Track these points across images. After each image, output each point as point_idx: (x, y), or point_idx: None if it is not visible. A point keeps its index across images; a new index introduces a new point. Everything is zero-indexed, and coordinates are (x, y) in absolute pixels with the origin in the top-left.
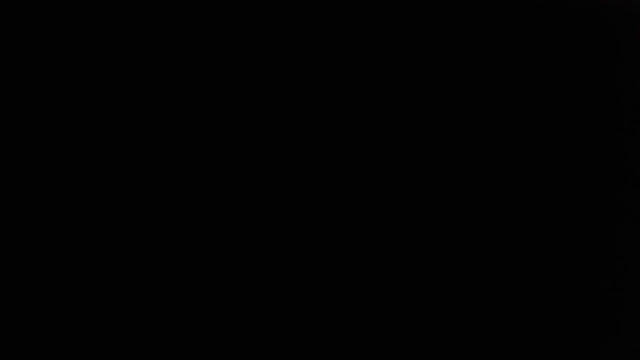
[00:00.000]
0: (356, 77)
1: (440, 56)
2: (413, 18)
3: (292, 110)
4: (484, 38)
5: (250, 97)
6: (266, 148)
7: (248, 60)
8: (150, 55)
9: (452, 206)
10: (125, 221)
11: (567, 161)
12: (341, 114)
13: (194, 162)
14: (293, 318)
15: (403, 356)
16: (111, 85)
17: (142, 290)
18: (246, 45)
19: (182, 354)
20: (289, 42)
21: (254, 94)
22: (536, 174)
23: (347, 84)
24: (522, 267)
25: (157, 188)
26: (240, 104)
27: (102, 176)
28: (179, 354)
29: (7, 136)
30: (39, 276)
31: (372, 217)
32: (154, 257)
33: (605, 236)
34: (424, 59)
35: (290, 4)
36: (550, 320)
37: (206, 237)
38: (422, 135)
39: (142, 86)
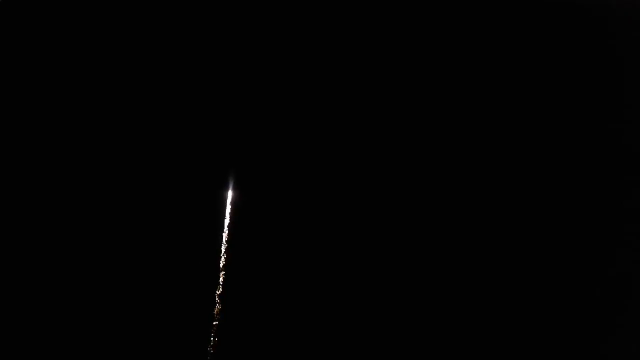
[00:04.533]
0: (356, 77)
1: (441, 56)
2: (413, 18)
3: (293, 110)
4: (484, 38)
5: (249, 97)
6: (266, 147)
7: (248, 60)
8: (149, 55)
9: (452, 205)
10: (124, 220)
11: (567, 160)
12: (341, 114)
13: (194, 161)
14: (292, 317)
15: (403, 356)
16: (110, 85)
17: (141, 288)
18: (246, 45)
19: (181, 353)
20: (289, 42)
21: (253, 93)
22: (536, 173)
23: (347, 84)
24: (523, 266)
25: (157, 187)
26: (239, 104)
27: (99, 175)
28: (178, 353)
29: (7, 136)
30: (35, 274)
31: (373, 217)
32: (153, 254)
33: (606, 236)
34: (424, 59)
35: (290, 4)
36: (550, 320)
37: (207, 235)
38: (422, 135)
39: (142, 86)
